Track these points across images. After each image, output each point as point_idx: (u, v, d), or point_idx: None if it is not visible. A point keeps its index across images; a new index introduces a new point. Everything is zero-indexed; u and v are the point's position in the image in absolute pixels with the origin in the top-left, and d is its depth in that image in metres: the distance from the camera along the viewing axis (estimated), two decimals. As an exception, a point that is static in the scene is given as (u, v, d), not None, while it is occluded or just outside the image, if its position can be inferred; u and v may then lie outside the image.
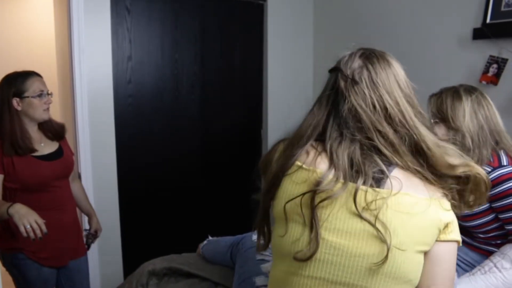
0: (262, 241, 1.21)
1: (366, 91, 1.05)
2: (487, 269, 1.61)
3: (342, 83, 1.08)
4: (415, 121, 1.05)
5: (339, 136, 1.05)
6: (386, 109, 1.05)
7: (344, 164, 1.02)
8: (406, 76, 1.11)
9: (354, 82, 1.07)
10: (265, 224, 1.18)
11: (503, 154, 1.69)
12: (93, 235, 2.29)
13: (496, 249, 1.69)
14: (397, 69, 1.10)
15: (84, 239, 2.29)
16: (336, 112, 1.07)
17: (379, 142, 1.03)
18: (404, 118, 1.05)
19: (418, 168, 1.02)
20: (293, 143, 1.10)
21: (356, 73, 1.07)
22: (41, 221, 1.75)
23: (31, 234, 1.72)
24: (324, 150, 1.06)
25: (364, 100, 1.05)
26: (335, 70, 1.11)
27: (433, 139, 1.05)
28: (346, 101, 1.06)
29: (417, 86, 1.11)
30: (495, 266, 1.60)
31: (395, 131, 1.04)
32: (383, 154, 1.03)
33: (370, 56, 1.10)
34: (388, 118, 1.04)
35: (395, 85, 1.07)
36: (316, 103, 1.13)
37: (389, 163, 1.03)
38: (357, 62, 1.09)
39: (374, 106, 1.04)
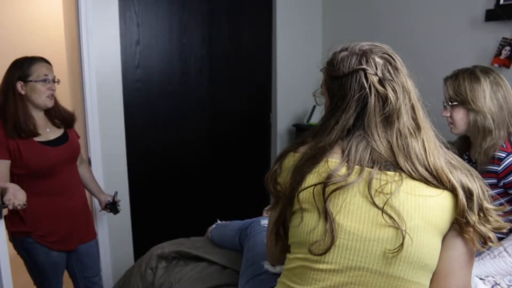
0: (279, 245, 1.18)
1: (399, 90, 1.03)
2: (496, 253, 1.60)
3: (376, 84, 1.02)
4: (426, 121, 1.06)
5: (361, 137, 1.03)
6: (412, 105, 1.05)
7: (360, 156, 1.00)
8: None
9: (389, 80, 1.03)
10: (281, 228, 1.15)
11: None
12: (112, 203, 2.30)
13: (503, 236, 1.66)
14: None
15: (108, 210, 2.32)
16: (367, 113, 1.03)
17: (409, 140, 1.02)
18: (416, 116, 1.05)
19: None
20: (316, 149, 1.05)
21: (385, 71, 1.04)
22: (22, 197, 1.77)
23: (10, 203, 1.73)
24: (337, 143, 1.04)
25: (402, 98, 1.03)
26: (356, 71, 1.04)
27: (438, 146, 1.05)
28: (388, 101, 1.02)
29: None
30: (505, 250, 1.59)
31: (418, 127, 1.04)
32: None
33: (385, 52, 1.06)
34: (412, 112, 1.04)
35: (409, 82, 1.06)
36: (341, 106, 1.05)
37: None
38: (377, 59, 1.04)
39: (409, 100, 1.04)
